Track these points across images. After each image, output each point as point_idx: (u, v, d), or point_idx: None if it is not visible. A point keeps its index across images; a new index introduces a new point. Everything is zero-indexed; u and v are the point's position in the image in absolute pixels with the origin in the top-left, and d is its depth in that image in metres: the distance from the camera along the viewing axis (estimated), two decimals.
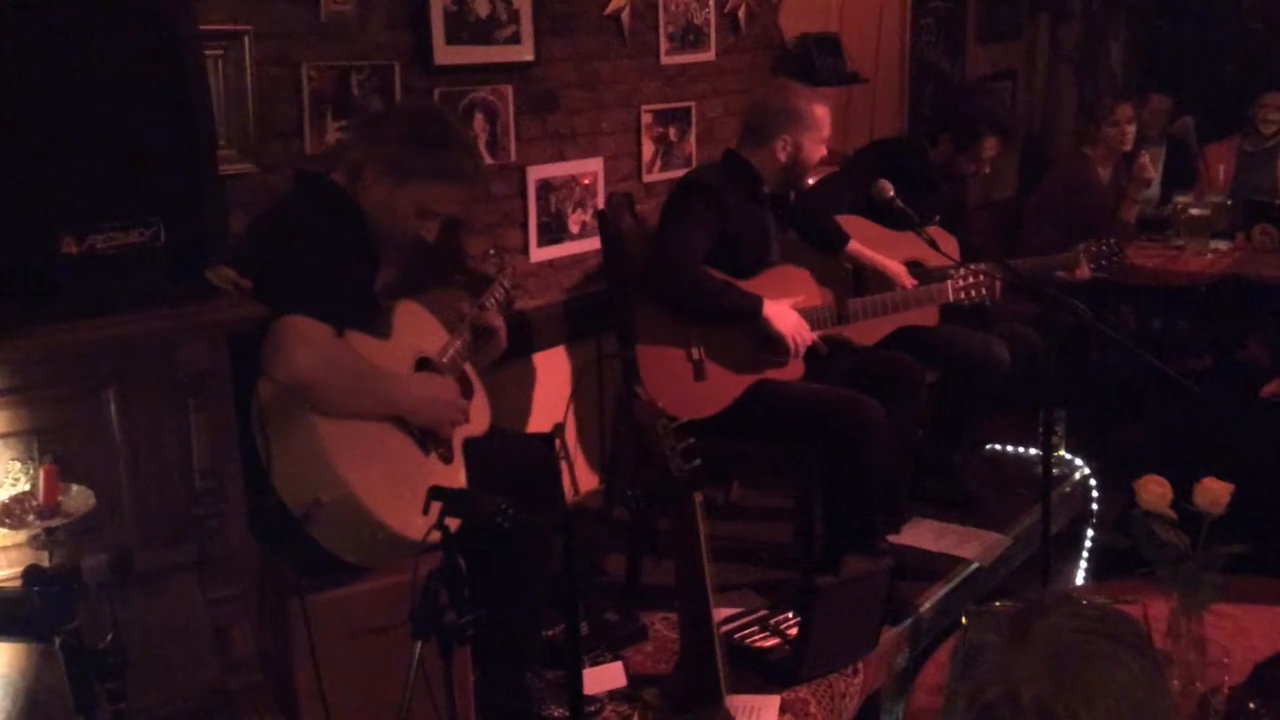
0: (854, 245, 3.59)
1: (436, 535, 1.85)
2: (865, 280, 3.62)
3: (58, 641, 1.59)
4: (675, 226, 3.23)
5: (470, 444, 2.52)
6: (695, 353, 3.21)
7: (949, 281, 3.50)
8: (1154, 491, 2.18)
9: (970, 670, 1.11)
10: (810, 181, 3.42)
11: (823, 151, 3.39)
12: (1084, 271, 3.89)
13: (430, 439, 2.40)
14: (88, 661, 1.61)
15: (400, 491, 2.20)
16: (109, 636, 1.63)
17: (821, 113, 3.35)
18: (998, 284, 3.50)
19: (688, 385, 3.19)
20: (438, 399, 2.40)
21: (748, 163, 3.37)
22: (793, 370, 3.29)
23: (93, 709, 1.61)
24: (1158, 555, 2.18)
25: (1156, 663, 1.12)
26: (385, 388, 2.31)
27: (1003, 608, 1.17)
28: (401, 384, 2.37)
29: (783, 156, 3.33)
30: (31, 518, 1.78)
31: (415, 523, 1.97)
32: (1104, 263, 3.90)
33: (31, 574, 1.63)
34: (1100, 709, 1.05)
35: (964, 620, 1.19)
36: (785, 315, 3.23)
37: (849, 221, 3.67)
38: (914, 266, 3.71)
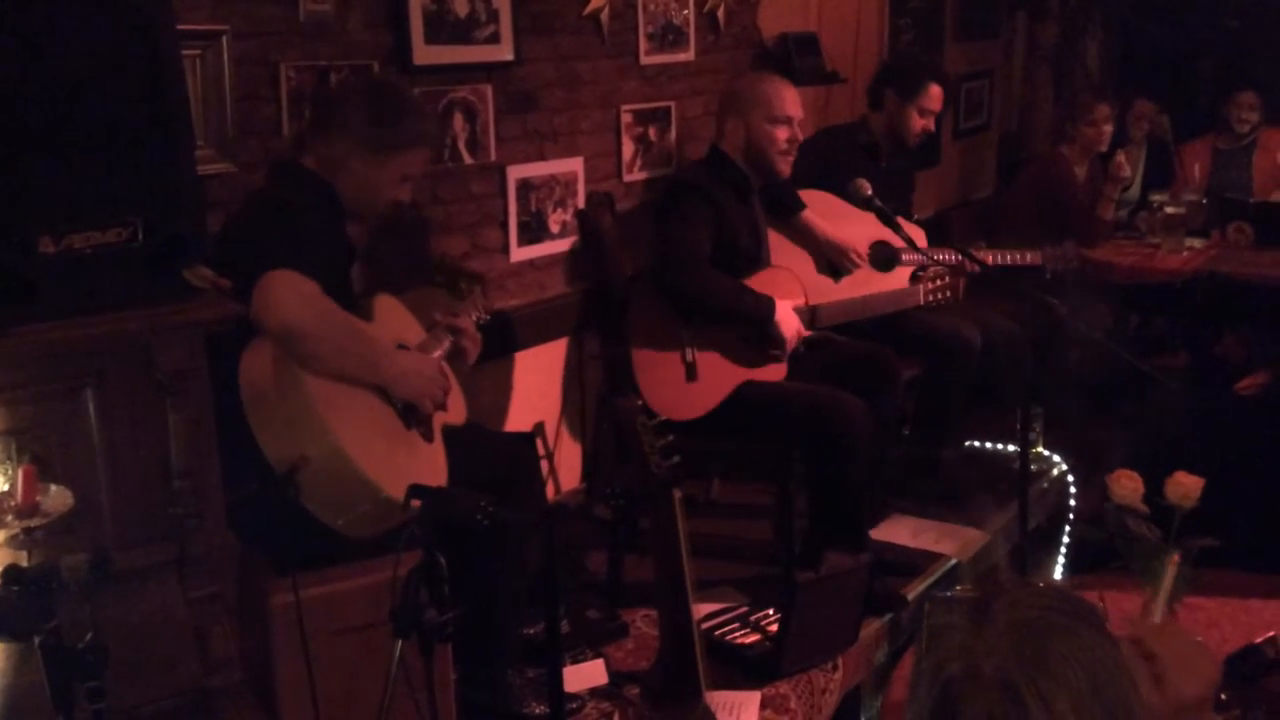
0: (808, 214, 3.65)
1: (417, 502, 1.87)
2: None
3: (37, 641, 1.60)
4: (677, 228, 3.23)
5: (452, 439, 2.53)
6: (689, 354, 3.22)
7: (919, 285, 3.54)
8: (1126, 485, 2.20)
9: (933, 651, 1.13)
10: (785, 168, 3.40)
11: (786, 133, 3.35)
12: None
13: (412, 415, 2.41)
14: (67, 661, 1.61)
15: (385, 453, 2.22)
16: (88, 636, 1.64)
17: (767, 89, 3.35)
18: (961, 284, 3.54)
19: (680, 386, 3.20)
20: (420, 372, 2.42)
21: (727, 157, 3.39)
22: (777, 370, 3.30)
23: (72, 708, 1.61)
24: (1131, 549, 2.20)
25: (1115, 642, 1.13)
26: (372, 349, 2.33)
27: (963, 592, 1.20)
28: (388, 351, 2.39)
29: (737, 140, 3.36)
30: (10, 518, 1.78)
31: (399, 483, 1.98)
32: (1059, 267, 3.96)
33: (10, 574, 1.63)
34: (1061, 681, 1.06)
35: (927, 608, 1.21)
36: (790, 318, 3.27)
37: (815, 195, 3.70)
38: (880, 246, 3.76)
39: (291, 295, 2.16)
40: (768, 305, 3.22)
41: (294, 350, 2.17)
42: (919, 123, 3.97)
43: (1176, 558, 1.55)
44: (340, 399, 2.23)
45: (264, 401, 2.17)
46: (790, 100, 3.36)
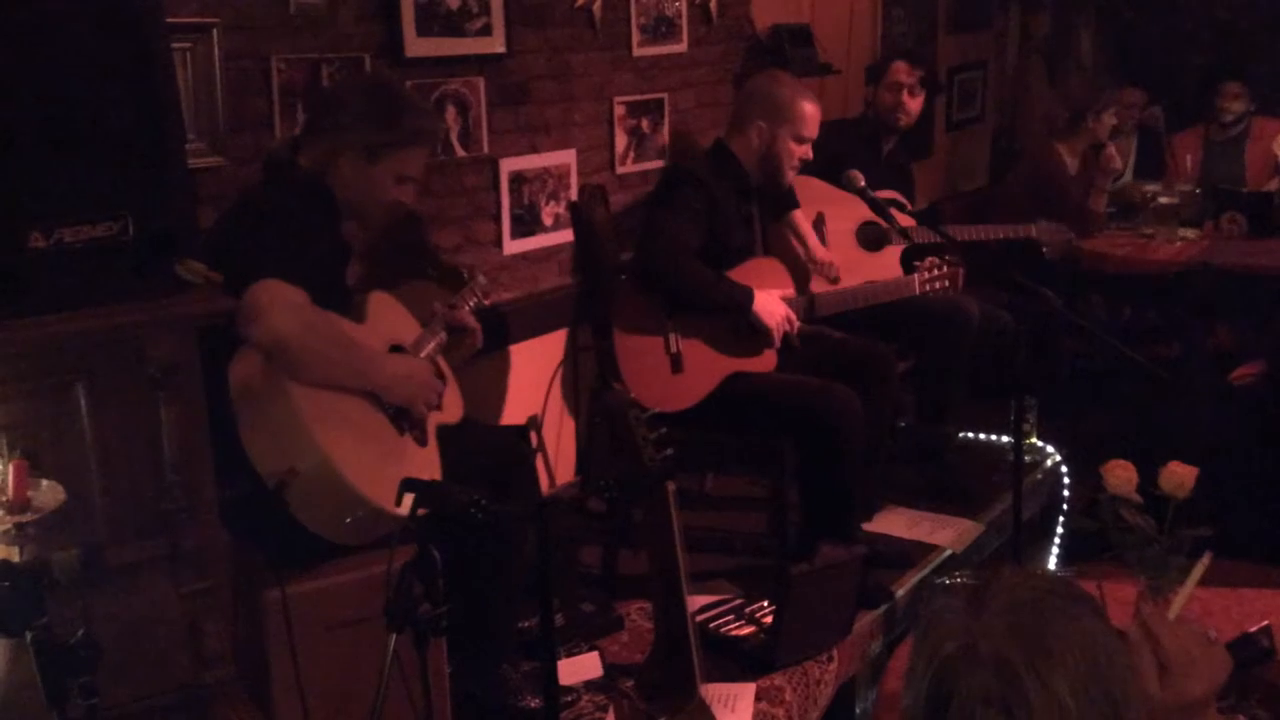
0: (799, 215, 3.67)
1: (408, 507, 1.86)
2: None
3: (29, 637, 1.59)
4: (667, 217, 3.23)
5: (445, 435, 2.52)
6: (673, 345, 3.22)
7: (915, 275, 3.55)
8: (1120, 475, 2.20)
9: (929, 633, 1.13)
10: (790, 182, 3.43)
11: (804, 153, 3.37)
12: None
13: (404, 419, 2.40)
14: (59, 656, 1.61)
15: (375, 463, 2.21)
16: (80, 631, 1.64)
17: (807, 110, 3.35)
18: (960, 275, 3.55)
19: (666, 378, 3.20)
20: (412, 377, 2.41)
21: (732, 155, 3.38)
22: (766, 361, 3.30)
23: (65, 704, 1.61)
24: (1125, 539, 2.20)
25: (1112, 627, 1.13)
26: (360, 357, 2.32)
27: (961, 578, 1.19)
28: (377, 358, 2.38)
29: (757, 143, 3.36)
30: (1, 513, 1.77)
31: (390, 495, 1.98)
32: (1054, 239, 3.97)
33: (2, 569, 1.63)
34: (1059, 661, 1.06)
35: (924, 594, 1.21)
36: (774, 307, 3.25)
37: (809, 181, 3.71)
38: (869, 226, 3.79)
39: (278, 306, 2.14)
40: (745, 295, 3.21)
41: (281, 361, 2.16)
42: (888, 98, 4.05)
43: (1208, 558, 1.54)
44: (329, 409, 2.21)
45: (252, 413, 2.16)
46: (817, 124, 3.39)
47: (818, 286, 3.62)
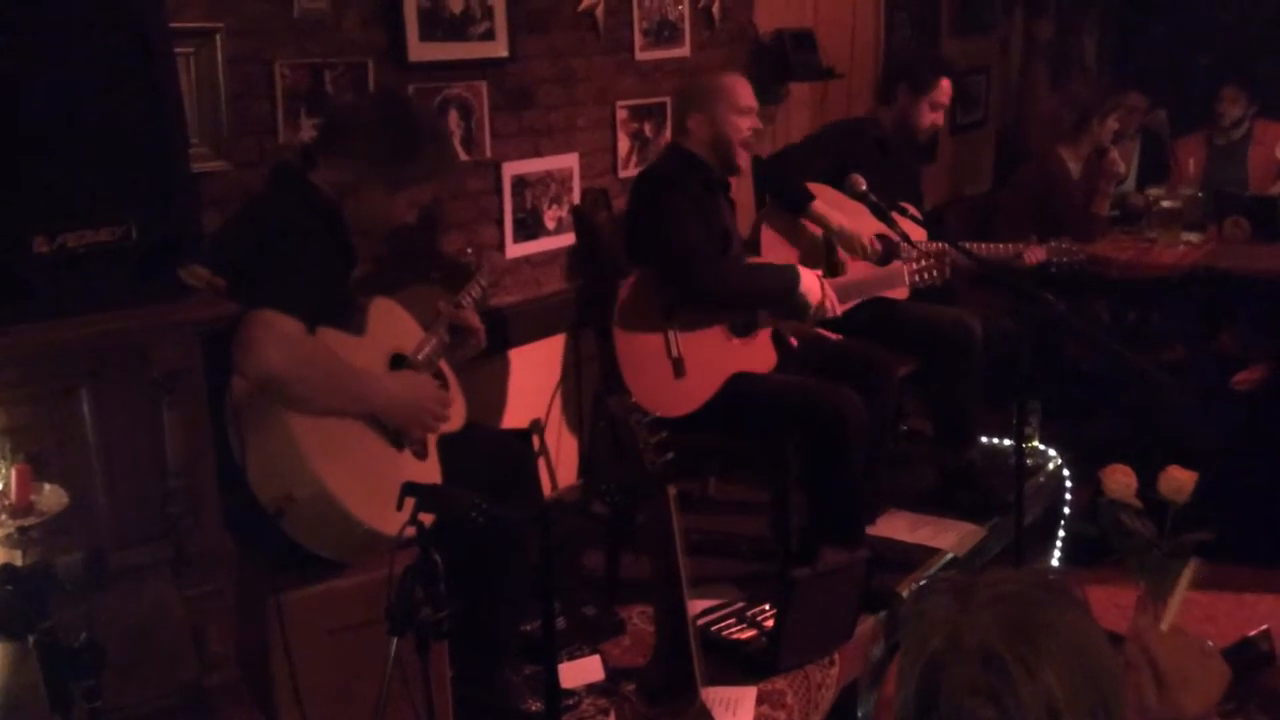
0: (818, 205, 3.67)
1: (411, 530, 1.86)
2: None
3: (32, 640, 1.60)
4: (671, 227, 3.18)
5: (448, 440, 2.52)
6: (674, 349, 3.22)
7: (904, 266, 3.56)
8: (1119, 480, 2.20)
9: (917, 630, 1.13)
10: (745, 161, 3.42)
11: (750, 123, 3.34)
12: (1037, 255, 3.98)
13: (404, 435, 2.41)
14: (63, 660, 1.61)
15: (374, 488, 2.21)
16: (84, 635, 1.64)
17: (731, 82, 3.34)
18: (947, 266, 3.56)
19: (670, 383, 3.20)
20: (411, 398, 2.41)
21: (688, 152, 3.37)
22: (765, 361, 3.30)
23: (69, 707, 1.62)
24: (1125, 543, 2.20)
25: (1094, 619, 1.14)
26: (358, 385, 2.31)
27: (946, 577, 1.20)
28: (375, 382, 2.37)
29: (703, 134, 3.33)
30: (4, 517, 1.78)
31: (390, 518, 1.98)
32: (1063, 260, 3.96)
33: (5, 573, 1.63)
34: (1045, 651, 1.06)
35: (912, 595, 1.21)
36: (815, 284, 3.27)
37: (822, 190, 3.71)
38: (881, 240, 3.78)
39: (271, 342, 2.14)
40: (791, 275, 3.23)
41: (278, 395, 2.17)
42: (929, 116, 3.98)
43: (1193, 565, 1.55)
44: (326, 436, 2.21)
45: (251, 438, 2.16)
46: (749, 92, 3.36)
47: (855, 268, 3.66)
